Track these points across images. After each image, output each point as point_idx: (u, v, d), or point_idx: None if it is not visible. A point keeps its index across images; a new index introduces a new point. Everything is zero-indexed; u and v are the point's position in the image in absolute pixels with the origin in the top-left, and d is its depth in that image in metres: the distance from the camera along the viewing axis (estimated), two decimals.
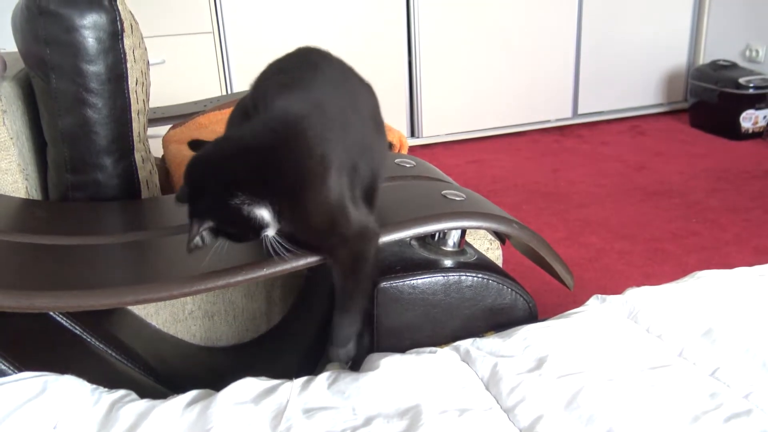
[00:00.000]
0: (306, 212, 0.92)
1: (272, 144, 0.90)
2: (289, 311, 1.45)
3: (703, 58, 3.82)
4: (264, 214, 0.88)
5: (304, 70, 1.05)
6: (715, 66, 3.52)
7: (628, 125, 3.74)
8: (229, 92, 3.21)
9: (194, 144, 1.63)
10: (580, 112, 3.74)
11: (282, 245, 0.91)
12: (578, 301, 1.15)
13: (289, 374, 1.31)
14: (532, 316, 1.14)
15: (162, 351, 1.31)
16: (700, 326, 1.04)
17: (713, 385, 0.92)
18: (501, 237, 1.31)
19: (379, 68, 3.35)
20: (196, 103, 2.15)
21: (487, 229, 1.08)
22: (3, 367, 0.93)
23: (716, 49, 3.76)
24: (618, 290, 1.16)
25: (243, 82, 3.17)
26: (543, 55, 3.59)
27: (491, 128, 3.65)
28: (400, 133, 1.61)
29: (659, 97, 3.86)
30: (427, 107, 3.51)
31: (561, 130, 3.71)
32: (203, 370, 1.33)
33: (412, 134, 3.56)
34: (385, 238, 1.02)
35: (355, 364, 1.07)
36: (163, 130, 1.93)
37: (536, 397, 0.92)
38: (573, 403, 0.91)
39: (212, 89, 3.12)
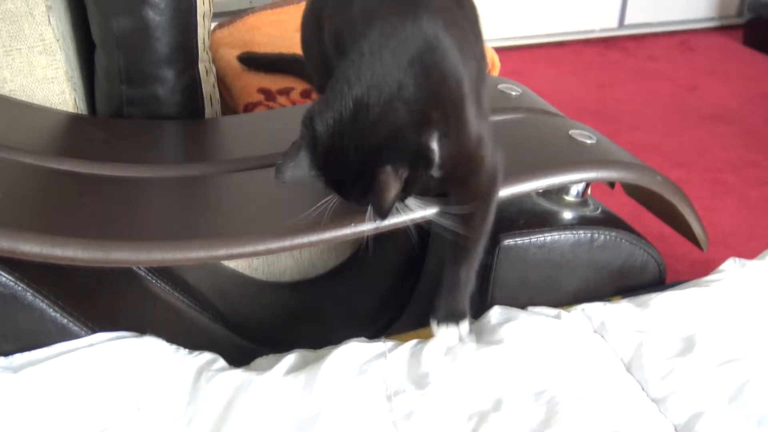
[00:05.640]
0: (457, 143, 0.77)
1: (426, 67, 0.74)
2: (359, 248, 1.31)
3: None
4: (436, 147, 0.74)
5: None
6: None
7: (676, 40, 3.50)
8: None
9: (246, 58, 1.43)
10: (626, 22, 3.49)
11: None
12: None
13: (364, 319, 1.20)
14: (660, 280, 1.01)
15: (225, 289, 1.18)
16: None
17: None
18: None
19: None
20: None
21: (629, 181, 0.92)
22: (75, 328, 0.79)
23: None
24: None
25: None
26: None
27: (530, 36, 3.40)
28: (492, 49, 1.40)
29: (710, 10, 3.60)
30: None
31: (605, 42, 3.47)
32: (270, 311, 1.20)
33: None
34: (516, 189, 0.87)
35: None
36: None
37: (692, 388, 0.80)
38: (738, 398, 0.79)
39: None
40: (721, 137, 2.52)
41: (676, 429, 0.77)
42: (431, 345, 0.87)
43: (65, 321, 0.78)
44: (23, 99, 1.07)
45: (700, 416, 0.77)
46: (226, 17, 1.71)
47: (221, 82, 1.42)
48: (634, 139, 2.47)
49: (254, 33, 1.56)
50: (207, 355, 0.85)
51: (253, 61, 1.43)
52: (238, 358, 0.87)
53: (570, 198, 0.99)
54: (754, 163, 2.34)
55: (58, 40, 1.06)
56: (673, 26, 3.58)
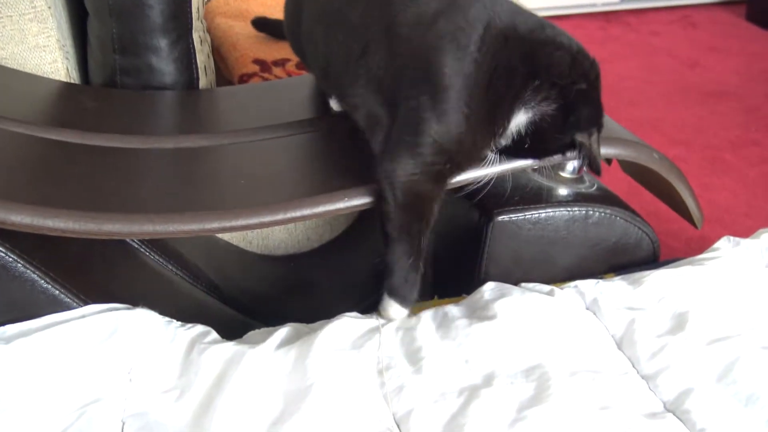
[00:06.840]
0: None
1: None
2: (355, 221, 1.31)
3: None
4: None
5: None
6: None
7: (678, 15, 3.46)
8: None
9: (260, 23, 1.42)
10: None
11: None
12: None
13: (358, 294, 1.20)
14: (654, 257, 1.01)
15: (219, 262, 1.17)
16: None
17: None
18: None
19: None
20: None
21: (626, 158, 0.92)
22: (67, 299, 0.78)
23: None
24: None
25: None
26: None
27: (531, 9, 3.36)
28: None
29: None
30: None
31: (606, 16, 3.44)
32: (265, 284, 1.20)
33: None
34: (511, 165, 0.87)
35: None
36: None
37: (682, 365, 0.80)
38: (728, 376, 0.79)
39: None
40: (721, 115, 2.50)
41: (665, 405, 0.77)
42: (424, 320, 0.87)
43: (57, 292, 0.78)
44: (14, 67, 1.06)
45: (689, 393, 0.77)
46: None
47: (216, 52, 1.41)
48: (634, 116, 2.45)
49: (250, 2, 1.54)
50: (199, 328, 0.85)
51: (267, 26, 1.41)
52: (231, 330, 0.87)
53: (565, 174, 0.98)
54: (753, 141, 2.33)
55: (49, 7, 1.05)
56: (675, 0, 3.53)
